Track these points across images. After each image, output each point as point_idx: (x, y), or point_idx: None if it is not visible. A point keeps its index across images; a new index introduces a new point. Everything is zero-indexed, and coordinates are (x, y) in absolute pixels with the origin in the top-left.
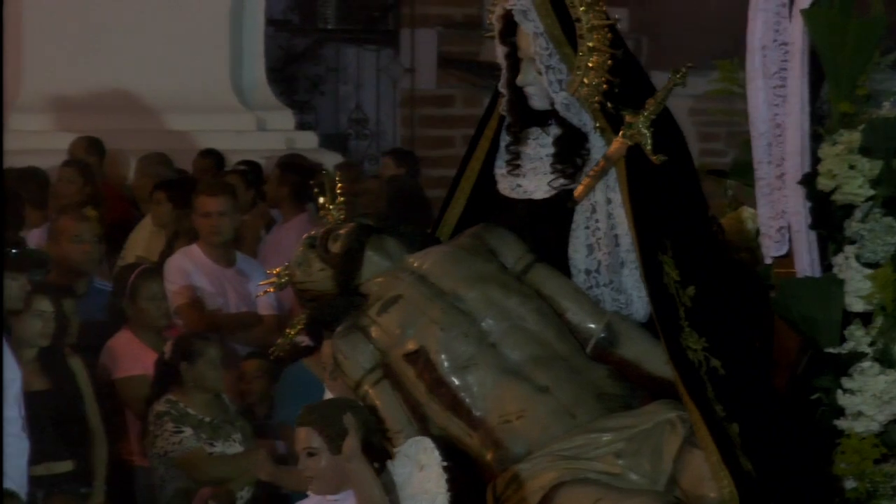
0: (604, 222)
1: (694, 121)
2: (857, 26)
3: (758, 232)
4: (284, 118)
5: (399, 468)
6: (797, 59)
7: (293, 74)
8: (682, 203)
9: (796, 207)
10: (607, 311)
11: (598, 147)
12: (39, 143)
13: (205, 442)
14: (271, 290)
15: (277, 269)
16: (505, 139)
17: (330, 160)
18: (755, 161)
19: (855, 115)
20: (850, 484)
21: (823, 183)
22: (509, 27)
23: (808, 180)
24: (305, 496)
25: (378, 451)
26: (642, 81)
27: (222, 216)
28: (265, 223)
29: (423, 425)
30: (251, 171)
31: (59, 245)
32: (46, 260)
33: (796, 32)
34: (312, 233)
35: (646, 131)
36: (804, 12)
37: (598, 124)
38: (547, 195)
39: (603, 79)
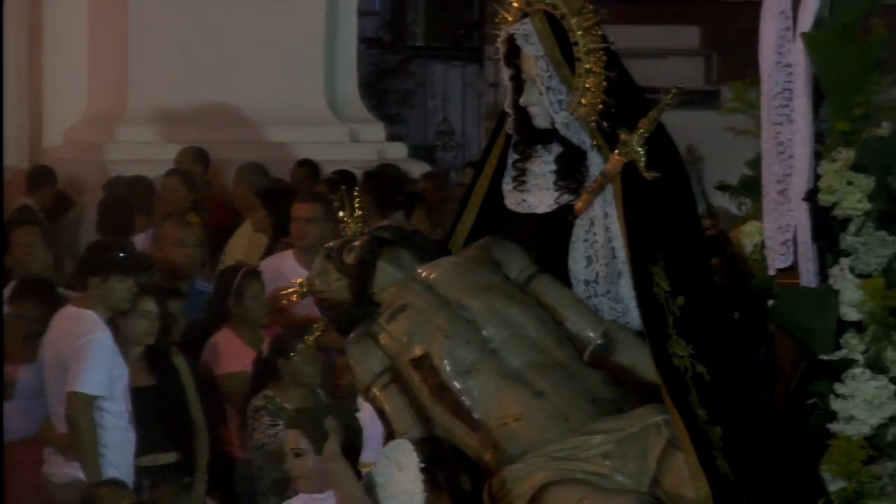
0: (601, 235)
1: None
2: (855, 49)
3: (763, 245)
4: (376, 130)
5: (381, 469)
6: (801, 80)
7: (384, 89)
8: (674, 217)
9: (802, 221)
10: (605, 319)
11: (596, 164)
12: (145, 153)
13: None
14: (295, 298)
15: (300, 280)
16: (512, 157)
17: (418, 170)
18: (763, 177)
19: (853, 133)
20: (838, 484)
21: (824, 198)
22: (513, 50)
23: (811, 196)
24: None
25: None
26: (637, 101)
27: (310, 222)
28: None
29: (428, 427)
30: (344, 180)
31: (164, 249)
32: (151, 263)
33: (799, 55)
34: (331, 244)
35: (639, 149)
36: (804, 36)
37: (595, 142)
38: (549, 209)
39: (599, 99)
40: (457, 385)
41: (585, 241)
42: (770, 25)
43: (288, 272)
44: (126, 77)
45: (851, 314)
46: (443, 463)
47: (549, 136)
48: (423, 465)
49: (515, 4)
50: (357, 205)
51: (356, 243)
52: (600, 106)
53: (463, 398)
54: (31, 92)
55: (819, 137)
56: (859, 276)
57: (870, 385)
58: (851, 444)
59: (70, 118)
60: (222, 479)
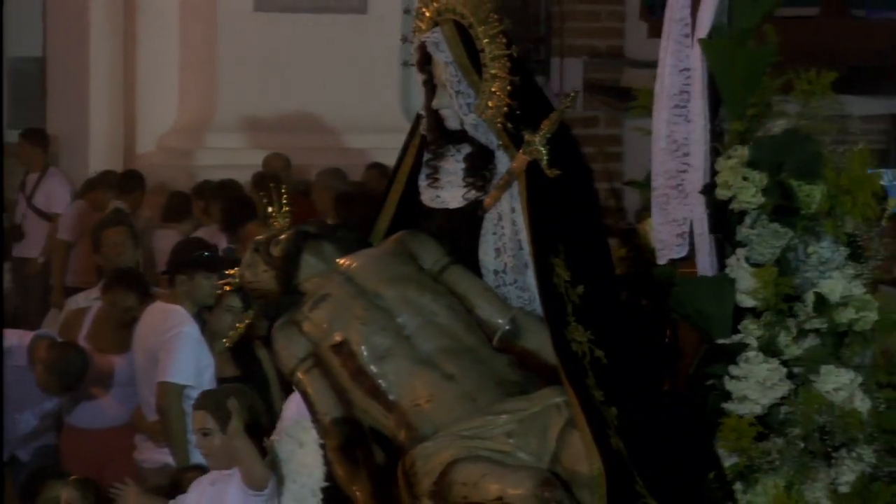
0: (508, 228)
1: None
2: (747, 54)
3: None
4: None
5: (283, 446)
6: (698, 83)
7: None
8: (576, 212)
9: (699, 214)
10: (513, 307)
11: (503, 162)
12: (233, 159)
13: None
14: (228, 288)
15: (234, 270)
16: (426, 156)
17: None
18: (652, 173)
19: (747, 132)
20: (732, 460)
21: (721, 193)
22: (426, 57)
23: (708, 190)
24: None
25: (266, 430)
26: (540, 104)
27: None
28: None
29: (348, 408)
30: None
31: (247, 248)
32: (235, 261)
33: (696, 59)
34: (259, 238)
35: (542, 148)
36: (701, 41)
37: (501, 142)
38: (461, 205)
39: (504, 102)
40: (373, 369)
41: (494, 234)
42: (671, 31)
43: None
44: (215, 88)
45: (747, 301)
46: (361, 441)
47: (460, 136)
48: (321, 442)
49: (427, 15)
50: (285, 201)
51: (282, 237)
52: (505, 108)
53: (379, 381)
54: (126, 102)
55: (718, 136)
56: (754, 265)
57: (762, 367)
58: (741, 422)
59: (162, 126)
60: None
